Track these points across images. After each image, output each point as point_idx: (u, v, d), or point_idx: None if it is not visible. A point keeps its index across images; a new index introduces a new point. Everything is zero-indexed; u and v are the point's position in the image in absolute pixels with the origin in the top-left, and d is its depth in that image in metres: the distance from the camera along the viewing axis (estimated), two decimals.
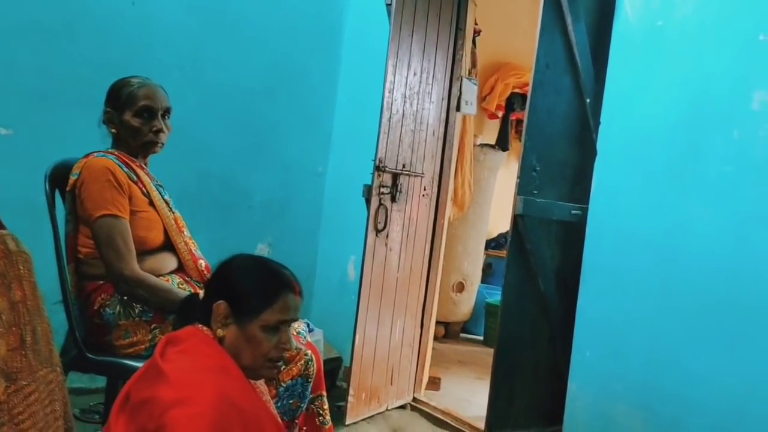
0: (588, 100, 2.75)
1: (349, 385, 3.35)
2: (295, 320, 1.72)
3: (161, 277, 2.40)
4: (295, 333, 2.53)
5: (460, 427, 3.47)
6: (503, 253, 5.24)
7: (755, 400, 2.10)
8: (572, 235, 2.70)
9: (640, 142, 2.46)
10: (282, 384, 2.37)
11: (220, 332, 1.66)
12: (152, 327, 2.32)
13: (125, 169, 2.38)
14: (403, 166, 3.48)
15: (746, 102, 2.19)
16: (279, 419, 1.77)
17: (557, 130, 2.74)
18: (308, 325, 2.86)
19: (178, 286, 2.42)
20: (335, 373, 3.58)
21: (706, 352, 2.22)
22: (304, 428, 2.51)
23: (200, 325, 1.69)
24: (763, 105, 2.15)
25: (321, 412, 2.55)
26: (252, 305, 1.65)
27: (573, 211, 2.75)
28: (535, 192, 2.68)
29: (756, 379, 2.10)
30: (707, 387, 2.21)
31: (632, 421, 2.30)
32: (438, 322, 4.48)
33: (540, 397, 2.80)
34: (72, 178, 2.34)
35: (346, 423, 3.35)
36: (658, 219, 2.38)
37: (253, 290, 1.67)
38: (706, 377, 2.22)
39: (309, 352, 2.46)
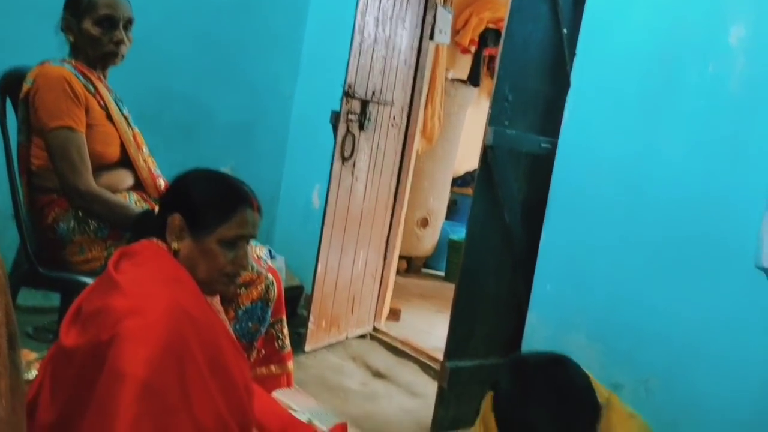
0: (565, 30, 2.68)
1: (309, 313, 3.34)
2: (253, 237, 1.67)
3: (118, 194, 2.33)
4: (256, 257, 2.50)
5: (419, 357, 3.51)
6: (469, 190, 5.24)
7: (709, 335, 2.13)
8: (540, 168, 2.67)
9: (614, 75, 2.42)
10: (241, 306, 2.35)
11: (175, 245, 1.61)
12: (108, 244, 2.27)
13: (82, 80, 2.28)
14: (373, 93, 3.40)
15: (723, 36, 2.15)
16: (232, 332, 1.74)
17: (532, 59, 2.68)
18: (270, 252, 2.83)
19: (135, 204, 2.36)
20: (296, 301, 3.56)
21: (666, 286, 2.24)
22: (263, 351, 2.50)
23: (155, 239, 1.64)
24: (741, 40, 2.12)
25: (280, 336, 2.54)
26: (208, 219, 1.60)
27: (543, 144, 2.72)
28: (506, 123, 2.63)
29: (712, 314, 2.12)
30: (664, 321, 2.24)
31: (589, 352, 2.33)
32: (401, 257, 4.47)
33: (499, 328, 2.82)
34: (25, 86, 2.24)
35: (306, 350, 3.35)
36: (628, 154, 2.36)
37: (209, 203, 1.62)
38: (664, 311, 2.24)
39: (270, 276, 2.43)
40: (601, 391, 1.58)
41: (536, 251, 2.61)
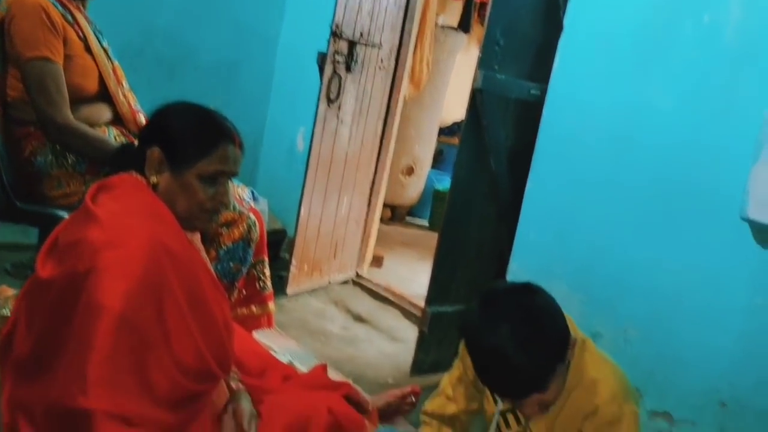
0: None
1: (291, 256, 3.33)
2: (234, 174, 1.63)
3: (96, 128, 2.29)
4: (238, 197, 2.47)
5: (401, 303, 3.52)
6: (456, 140, 5.19)
7: (691, 287, 2.13)
8: (529, 115, 2.63)
9: (608, 21, 2.37)
10: (222, 246, 2.34)
11: (153, 179, 1.57)
12: (86, 178, 2.24)
13: (60, 9, 2.22)
14: (361, 34, 3.32)
15: None
16: (213, 271, 1.71)
17: (525, 2, 2.61)
18: (253, 194, 2.81)
19: (114, 139, 2.32)
20: (279, 245, 3.53)
21: (650, 237, 2.23)
22: (244, 292, 2.49)
23: (134, 173, 1.60)
24: None
25: (262, 277, 2.53)
26: (188, 153, 1.55)
27: (532, 91, 2.67)
28: (496, 67, 2.58)
29: (695, 266, 2.12)
30: (646, 272, 2.24)
31: (570, 302, 2.31)
32: (385, 205, 4.43)
33: (481, 274, 2.82)
34: (0, 13, 2.17)
35: (288, 293, 3.35)
36: (619, 103, 2.32)
37: (190, 137, 1.57)
38: (647, 262, 2.24)
39: (252, 216, 2.41)
40: (577, 332, 1.57)
41: (521, 199, 2.59)
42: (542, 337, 1.42)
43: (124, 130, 2.37)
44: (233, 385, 1.75)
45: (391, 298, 3.58)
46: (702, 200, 2.11)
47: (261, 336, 2.52)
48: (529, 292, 1.49)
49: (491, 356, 1.41)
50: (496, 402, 1.68)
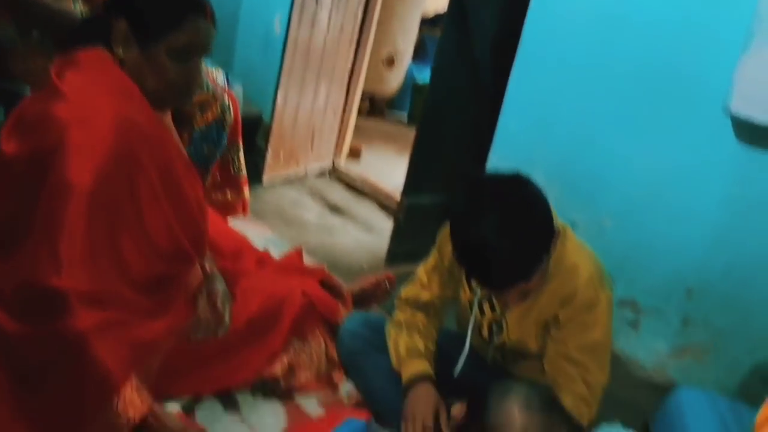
0: None
1: (267, 144, 3.27)
2: (206, 49, 1.55)
3: (61, 1, 2.17)
4: (212, 79, 2.39)
5: (377, 196, 3.51)
6: (438, 31, 5.04)
7: (666, 185, 2.12)
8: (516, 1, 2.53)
9: None
10: (196, 128, 2.27)
11: (120, 53, 1.48)
12: (52, 54, 2.13)
13: None
14: None
15: None
16: (186, 154, 1.66)
17: None
18: (227, 78, 2.72)
19: (80, 14, 2.20)
20: (254, 132, 3.46)
21: (630, 133, 2.20)
22: (218, 176, 2.45)
23: (101, 47, 1.51)
24: None
25: (236, 160, 2.49)
26: (157, 25, 1.46)
27: None
28: None
29: (671, 166, 2.11)
30: (624, 168, 2.22)
31: (549, 192, 2.32)
32: (363, 96, 4.32)
33: (460, 165, 2.79)
34: None
35: (264, 182, 3.31)
36: None
37: (158, 7, 1.47)
38: (625, 158, 2.21)
39: (226, 98, 2.34)
40: (557, 221, 1.56)
41: (503, 89, 2.53)
42: (530, 228, 1.39)
43: (89, 4, 2.25)
44: (207, 267, 1.73)
45: (367, 190, 3.56)
46: (686, 91, 2.06)
47: (236, 223, 2.50)
48: (517, 182, 1.46)
49: (478, 246, 1.38)
50: (472, 290, 1.69)
